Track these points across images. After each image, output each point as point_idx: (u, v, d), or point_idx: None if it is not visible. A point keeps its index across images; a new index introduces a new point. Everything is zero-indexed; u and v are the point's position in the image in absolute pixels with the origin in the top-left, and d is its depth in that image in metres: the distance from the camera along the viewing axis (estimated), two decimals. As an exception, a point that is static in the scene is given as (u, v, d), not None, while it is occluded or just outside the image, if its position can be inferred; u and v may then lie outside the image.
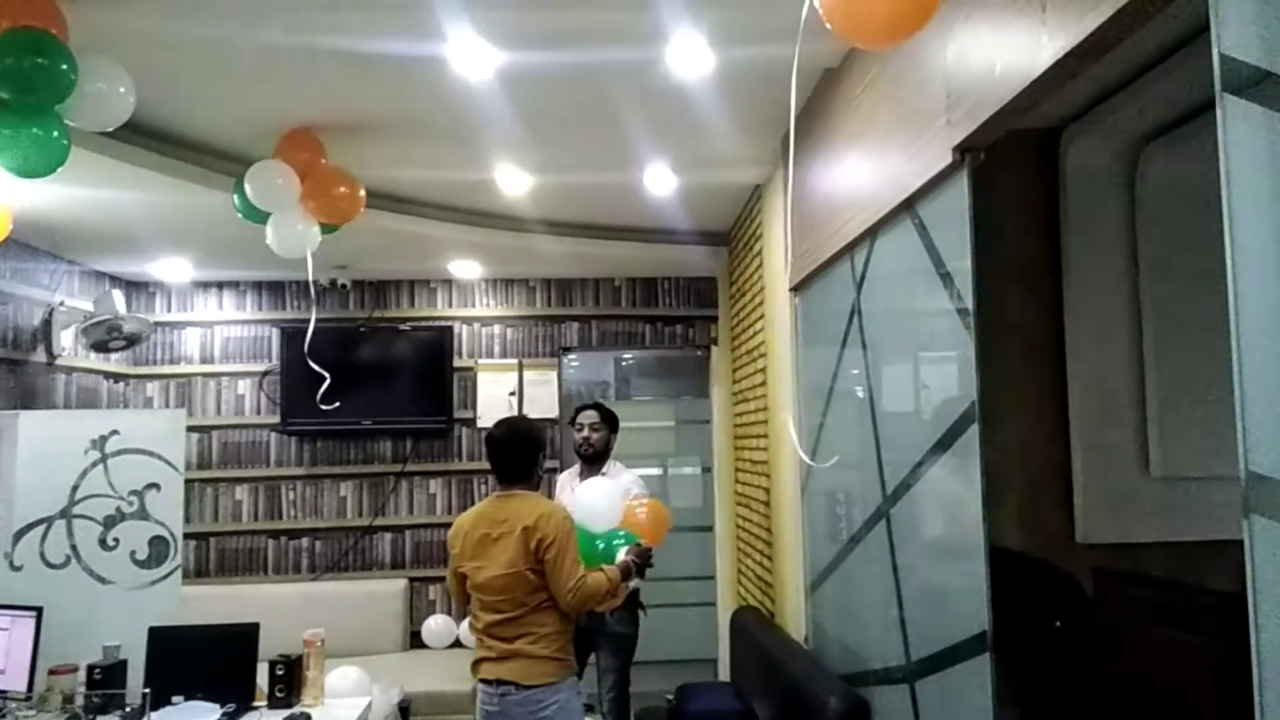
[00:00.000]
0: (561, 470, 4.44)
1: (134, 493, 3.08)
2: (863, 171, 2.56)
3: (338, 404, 3.46)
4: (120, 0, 2.33)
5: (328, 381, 3.29)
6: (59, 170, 2.32)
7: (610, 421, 3.93)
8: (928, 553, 2.28)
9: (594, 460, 3.85)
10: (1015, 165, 2.79)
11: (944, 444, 2.07)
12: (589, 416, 3.90)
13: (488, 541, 2.80)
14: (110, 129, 2.43)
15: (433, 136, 3.40)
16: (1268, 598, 1.01)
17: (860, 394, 2.71)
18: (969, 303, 1.92)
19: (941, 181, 2.04)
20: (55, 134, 2.25)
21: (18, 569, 3.00)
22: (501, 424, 3.03)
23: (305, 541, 5.43)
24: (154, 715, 2.74)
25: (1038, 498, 2.84)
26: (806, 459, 1.97)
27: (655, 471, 5.89)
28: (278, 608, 4.80)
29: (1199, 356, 2.65)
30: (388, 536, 5.46)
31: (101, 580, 3.05)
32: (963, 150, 1.91)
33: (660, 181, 3.91)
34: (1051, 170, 2.88)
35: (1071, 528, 2.82)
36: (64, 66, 2.15)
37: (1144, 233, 2.80)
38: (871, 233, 2.52)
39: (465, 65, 2.63)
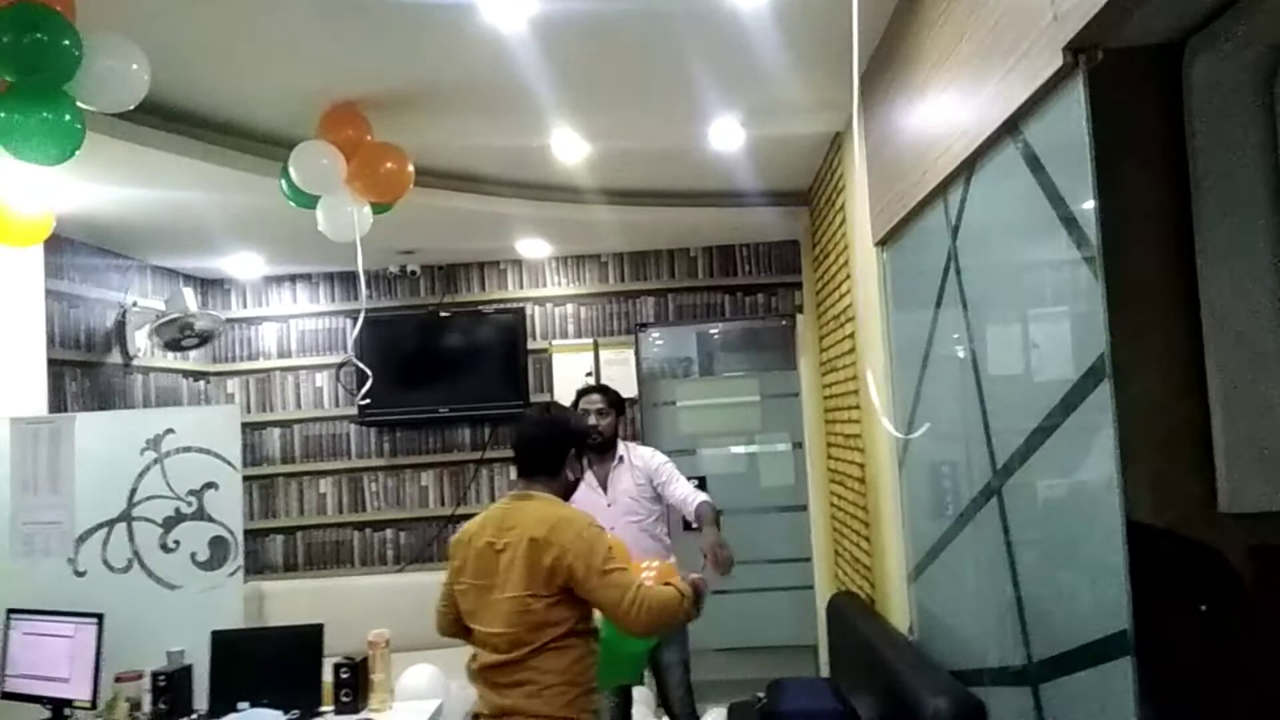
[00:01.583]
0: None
1: (192, 492, 2.98)
2: (952, 97, 2.22)
3: (368, 400, 3.33)
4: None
5: (370, 382, 3.15)
6: (76, 155, 2.21)
7: (617, 405, 3.63)
8: (1050, 535, 1.95)
9: (602, 448, 3.51)
10: (1131, 87, 2.39)
11: (1066, 407, 1.75)
12: (593, 401, 3.55)
13: (490, 554, 2.21)
14: (127, 108, 2.29)
15: (479, 102, 3.19)
16: None
17: (961, 356, 2.38)
18: (1093, 238, 1.59)
19: (1050, 92, 1.70)
20: (67, 117, 2.12)
21: (81, 574, 2.95)
22: (529, 408, 2.63)
23: (389, 533, 5.36)
24: (219, 722, 2.65)
25: (1171, 462, 2.46)
26: (891, 428, 1.66)
27: (742, 450, 5.61)
28: (363, 600, 4.74)
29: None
30: (471, 525, 5.34)
31: (164, 584, 2.97)
32: (1075, 50, 1.57)
33: (728, 137, 3.60)
34: (1174, 92, 2.46)
35: (1212, 495, 2.43)
36: (66, 42, 2.00)
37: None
38: (968, 165, 2.18)
39: (495, 13, 2.39)
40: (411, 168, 3.23)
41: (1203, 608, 2.39)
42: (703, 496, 3.45)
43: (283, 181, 3.21)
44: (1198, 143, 2.41)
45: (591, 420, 3.45)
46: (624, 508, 3.46)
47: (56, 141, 2.14)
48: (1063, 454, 1.82)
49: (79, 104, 2.16)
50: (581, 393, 3.68)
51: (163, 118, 3.06)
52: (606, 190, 4.29)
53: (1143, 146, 2.43)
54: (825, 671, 4.34)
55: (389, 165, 3.19)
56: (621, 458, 3.56)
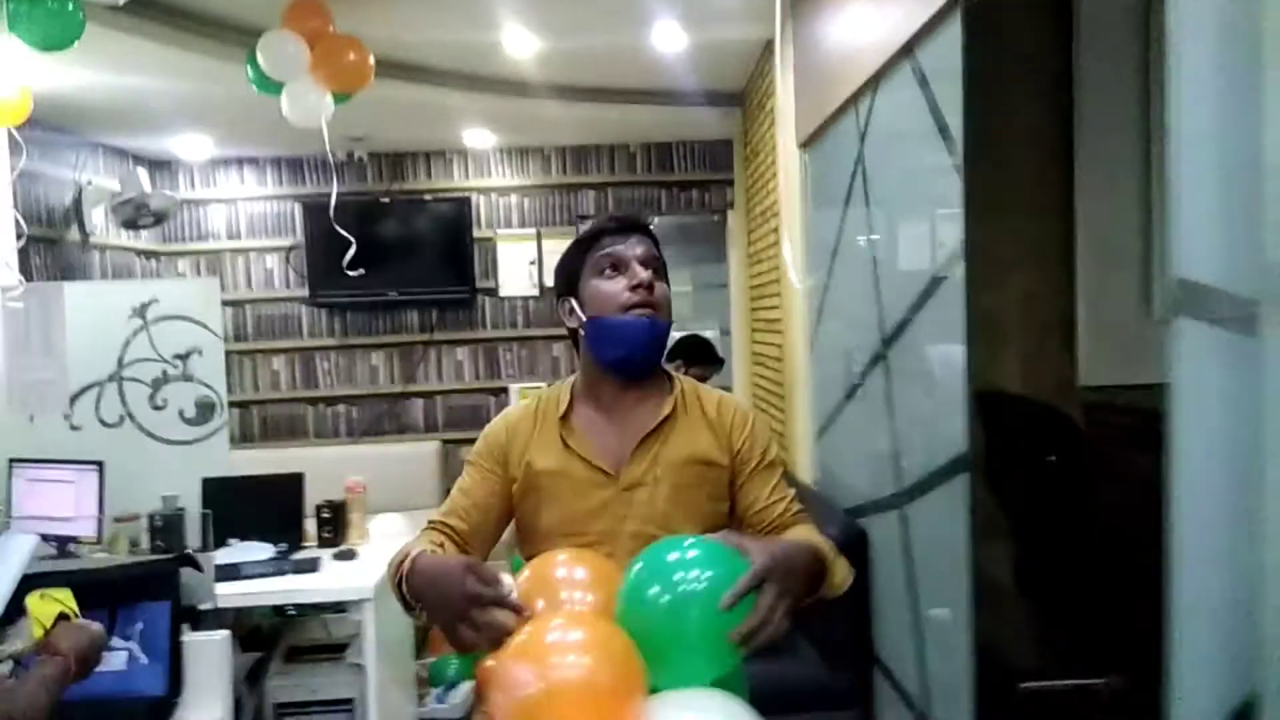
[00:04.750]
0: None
1: (178, 356, 3.26)
2: (865, 16, 2.56)
3: (362, 270, 3.53)
4: None
5: (353, 249, 3.36)
6: (75, 45, 2.40)
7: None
8: (919, 389, 2.41)
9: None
10: (1025, 18, 2.77)
11: (933, 287, 2.17)
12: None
13: None
14: (121, 2, 2.48)
15: (438, -2, 3.40)
16: (1186, 394, 1.13)
17: (863, 248, 2.79)
18: (959, 154, 1.98)
19: (939, 24, 2.06)
20: (70, 7, 2.32)
21: (76, 429, 3.23)
22: None
23: (342, 408, 5.68)
24: (213, 554, 3.01)
25: (1041, 346, 2.94)
26: (795, 281, 2.03)
27: (676, 335, 6.02)
28: (321, 466, 5.08)
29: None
30: (420, 403, 5.70)
31: (154, 437, 3.28)
32: (955, -11, 1.93)
33: (669, 39, 3.87)
34: (1065, 24, 2.84)
35: (1074, 373, 2.93)
36: (71, -64, 2.20)
37: (1157, 84, 2.78)
38: (874, 81, 2.54)
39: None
40: (372, 60, 3.44)
41: (1051, 458, 2.92)
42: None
43: (249, 68, 3.39)
44: (1082, 66, 2.81)
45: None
46: None
47: (60, 29, 2.34)
48: (930, 327, 2.25)
49: (79, -6, 2.36)
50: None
51: (141, 4, 3.20)
52: (553, 85, 4.53)
53: (1034, 72, 2.82)
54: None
55: (351, 56, 3.38)
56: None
